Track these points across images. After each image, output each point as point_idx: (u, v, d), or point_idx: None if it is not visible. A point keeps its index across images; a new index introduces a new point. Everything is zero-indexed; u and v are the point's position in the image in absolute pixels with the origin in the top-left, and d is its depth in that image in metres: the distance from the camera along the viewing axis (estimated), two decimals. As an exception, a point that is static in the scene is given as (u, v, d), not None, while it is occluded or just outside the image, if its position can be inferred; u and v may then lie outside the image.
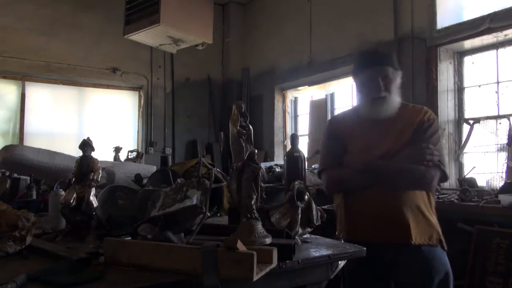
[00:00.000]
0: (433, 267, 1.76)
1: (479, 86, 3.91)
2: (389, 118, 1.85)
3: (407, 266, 1.74)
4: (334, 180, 1.91)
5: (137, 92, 6.34)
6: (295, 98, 6.29)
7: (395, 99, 1.86)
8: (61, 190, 1.92)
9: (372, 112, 1.87)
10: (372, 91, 1.84)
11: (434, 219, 1.81)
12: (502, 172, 3.40)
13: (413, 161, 1.73)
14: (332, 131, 2.02)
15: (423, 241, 1.76)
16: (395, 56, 1.97)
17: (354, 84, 1.98)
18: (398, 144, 1.80)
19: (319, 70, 5.36)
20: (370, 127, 1.89)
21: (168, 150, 6.33)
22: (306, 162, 2.04)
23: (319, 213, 1.59)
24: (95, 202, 1.66)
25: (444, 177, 1.81)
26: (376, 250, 1.69)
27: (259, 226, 1.35)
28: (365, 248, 1.57)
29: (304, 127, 5.98)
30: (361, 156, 1.84)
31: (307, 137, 5.72)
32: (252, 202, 1.35)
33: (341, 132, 1.97)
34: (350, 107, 2.06)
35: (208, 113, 6.72)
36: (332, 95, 5.58)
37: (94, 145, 1.71)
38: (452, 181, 3.77)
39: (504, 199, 2.71)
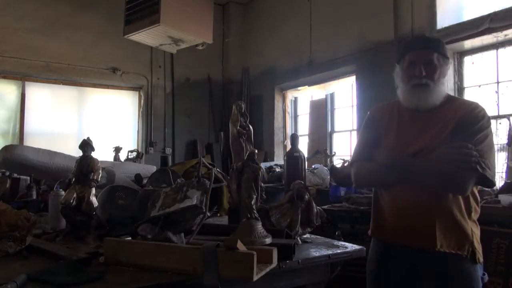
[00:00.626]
0: (455, 279, 1.58)
1: (479, 86, 3.91)
2: (430, 111, 1.67)
3: (428, 274, 1.60)
4: (361, 174, 1.78)
5: (137, 92, 6.34)
6: (295, 98, 6.29)
7: (440, 89, 1.67)
8: (61, 190, 1.92)
9: (411, 101, 1.70)
10: (411, 77, 1.67)
11: (469, 227, 1.60)
12: (502, 172, 3.40)
13: (445, 161, 1.54)
14: (369, 122, 1.87)
15: (450, 249, 1.58)
16: (443, 43, 1.75)
17: (396, 76, 1.79)
18: (436, 141, 1.61)
19: (319, 70, 5.35)
20: (409, 120, 1.72)
21: (168, 150, 6.33)
22: (306, 162, 2.03)
23: (319, 213, 1.59)
24: (95, 202, 1.66)
25: (486, 182, 1.58)
26: (398, 251, 1.65)
27: (259, 226, 1.35)
28: (365, 248, 1.57)
29: (304, 127, 5.98)
30: (389, 151, 1.69)
31: (307, 137, 5.72)
32: (252, 202, 1.35)
33: (378, 123, 1.81)
34: (390, 101, 1.87)
35: (208, 113, 6.72)
36: (332, 95, 5.58)
37: (94, 145, 1.71)
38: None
39: (504, 199, 2.71)
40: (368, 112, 1.95)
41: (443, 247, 1.57)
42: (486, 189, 2.63)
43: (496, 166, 1.64)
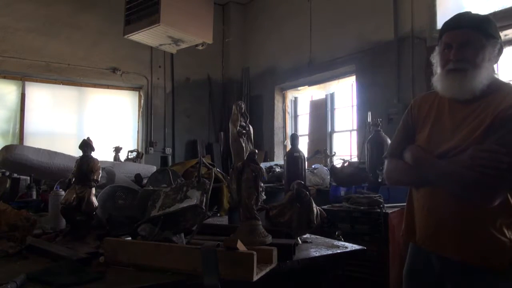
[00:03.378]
0: None
1: (479, 86, 3.90)
2: (474, 101, 1.44)
3: (454, 285, 1.46)
4: (390, 171, 1.66)
5: (137, 92, 6.34)
6: (295, 98, 6.29)
7: (481, 74, 1.42)
8: (61, 190, 1.92)
9: (445, 89, 1.49)
10: (447, 61, 1.47)
11: (508, 239, 1.38)
12: None
13: (469, 165, 1.35)
14: (408, 114, 1.68)
15: (478, 261, 1.39)
16: (490, 20, 1.50)
17: (435, 61, 1.57)
18: (471, 139, 1.40)
19: (319, 70, 5.36)
20: (448, 112, 1.52)
21: (168, 150, 6.33)
22: (306, 162, 2.03)
23: (319, 213, 1.59)
24: (95, 202, 1.66)
25: None
26: (427, 256, 1.55)
27: (259, 226, 1.35)
28: (365, 248, 1.57)
29: (304, 127, 5.98)
30: (415, 150, 1.54)
31: (307, 137, 5.72)
32: (252, 202, 1.35)
33: (415, 115, 1.63)
34: (433, 90, 1.63)
35: (208, 113, 6.72)
36: (332, 95, 5.58)
37: (94, 145, 1.71)
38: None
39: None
40: (411, 104, 1.73)
41: (468, 258, 1.41)
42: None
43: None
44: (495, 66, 1.52)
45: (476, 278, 1.41)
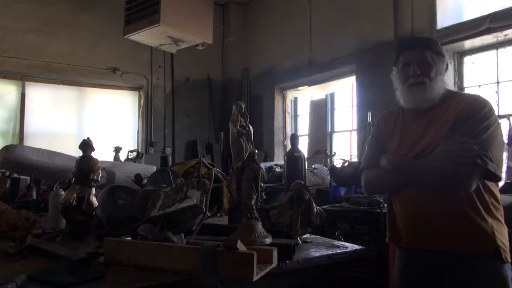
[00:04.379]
0: (482, 279, 1.52)
1: (479, 86, 3.91)
2: (433, 109, 1.67)
3: (452, 275, 1.56)
4: (370, 181, 1.77)
5: (137, 92, 6.34)
6: (295, 98, 6.29)
7: (437, 86, 1.66)
8: (61, 190, 1.92)
9: (410, 101, 1.70)
10: (407, 77, 1.68)
11: (489, 225, 1.53)
12: (502, 172, 3.40)
13: (444, 158, 1.51)
14: (376, 128, 1.88)
15: (469, 249, 1.53)
16: (436, 41, 1.77)
17: (394, 79, 1.80)
18: (438, 138, 1.59)
19: (319, 70, 5.36)
20: (412, 121, 1.72)
21: (168, 150, 6.33)
22: (306, 162, 2.03)
23: (319, 213, 1.59)
24: (95, 202, 1.66)
25: (490, 176, 1.52)
26: (417, 256, 1.62)
27: (259, 226, 1.35)
28: (365, 248, 1.57)
29: (304, 127, 5.98)
30: (391, 155, 1.69)
31: (307, 137, 5.72)
32: (252, 202, 1.35)
33: (383, 129, 1.82)
34: (395, 107, 1.87)
35: (208, 113, 6.72)
36: (332, 95, 5.58)
37: (94, 145, 1.71)
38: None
39: (504, 199, 2.71)
40: (376, 120, 1.96)
41: (459, 247, 1.53)
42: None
43: (504, 158, 1.58)
44: (445, 78, 1.74)
45: (473, 264, 1.52)
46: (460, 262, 1.54)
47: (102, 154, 3.61)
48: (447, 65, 1.76)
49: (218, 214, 2.28)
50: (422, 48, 1.69)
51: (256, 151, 1.49)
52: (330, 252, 1.43)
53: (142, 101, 6.31)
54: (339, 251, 1.46)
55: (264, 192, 1.42)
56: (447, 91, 1.70)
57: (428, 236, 1.58)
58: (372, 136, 1.89)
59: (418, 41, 1.77)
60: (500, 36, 3.63)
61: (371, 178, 1.76)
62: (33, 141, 5.22)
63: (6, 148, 2.53)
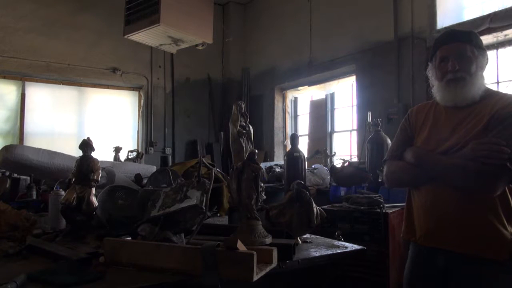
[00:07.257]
0: (491, 286, 1.47)
1: (479, 86, 3.90)
2: (468, 107, 1.56)
3: (460, 278, 1.51)
4: (390, 173, 1.71)
5: (137, 92, 6.34)
6: (295, 98, 6.29)
7: (478, 82, 1.56)
8: (61, 190, 1.92)
9: (448, 98, 1.59)
10: (445, 73, 1.58)
11: (509, 232, 1.45)
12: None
13: (471, 157, 1.42)
14: (406, 121, 1.78)
15: (483, 254, 1.45)
16: (476, 34, 1.65)
17: (430, 75, 1.70)
18: (469, 137, 1.49)
19: (319, 70, 5.36)
20: (444, 117, 1.63)
21: (168, 150, 6.33)
22: (306, 162, 2.03)
23: (319, 213, 1.59)
24: (95, 202, 1.66)
25: None
26: (429, 254, 1.59)
27: (259, 226, 1.35)
28: (365, 248, 1.57)
29: (304, 127, 5.98)
30: (416, 149, 1.62)
31: (307, 137, 5.72)
32: (252, 202, 1.35)
33: (414, 122, 1.73)
34: (428, 101, 1.79)
35: (208, 113, 6.72)
36: (332, 95, 5.58)
37: (94, 145, 1.71)
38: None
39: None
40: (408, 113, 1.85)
41: (473, 250, 1.46)
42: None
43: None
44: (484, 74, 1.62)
45: (484, 270, 1.46)
46: (468, 265, 1.48)
47: (102, 154, 3.62)
48: (487, 59, 1.63)
49: (218, 214, 2.28)
50: (461, 42, 1.57)
51: (256, 151, 1.49)
52: (330, 252, 1.43)
53: (142, 101, 6.31)
54: (339, 251, 1.46)
55: (264, 192, 1.42)
56: (486, 89, 1.60)
57: (442, 235, 1.53)
58: (401, 128, 1.80)
59: (457, 35, 1.63)
60: (500, 36, 3.63)
61: (393, 170, 1.70)
62: (33, 141, 5.22)
63: (6, 148, 2.53)
